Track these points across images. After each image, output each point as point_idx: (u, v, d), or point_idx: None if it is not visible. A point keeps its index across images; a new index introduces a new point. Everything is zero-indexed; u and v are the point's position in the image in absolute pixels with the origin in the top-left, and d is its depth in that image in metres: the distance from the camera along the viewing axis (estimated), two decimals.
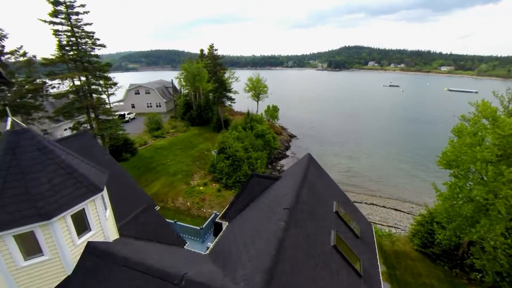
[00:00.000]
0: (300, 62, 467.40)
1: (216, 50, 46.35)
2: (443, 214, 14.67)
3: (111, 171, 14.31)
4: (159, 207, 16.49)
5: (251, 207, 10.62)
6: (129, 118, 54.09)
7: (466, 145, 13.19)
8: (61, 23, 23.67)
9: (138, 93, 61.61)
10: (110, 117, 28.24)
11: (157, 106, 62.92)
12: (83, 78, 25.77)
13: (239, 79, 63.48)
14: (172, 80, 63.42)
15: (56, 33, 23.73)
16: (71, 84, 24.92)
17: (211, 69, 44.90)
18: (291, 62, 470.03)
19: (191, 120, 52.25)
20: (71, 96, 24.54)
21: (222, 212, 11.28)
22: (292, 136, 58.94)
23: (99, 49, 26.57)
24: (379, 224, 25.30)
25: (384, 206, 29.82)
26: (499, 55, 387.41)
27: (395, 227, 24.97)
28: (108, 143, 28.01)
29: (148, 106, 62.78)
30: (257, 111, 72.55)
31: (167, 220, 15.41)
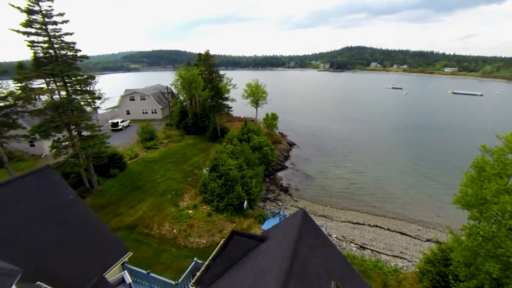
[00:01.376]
0: (302, 62, 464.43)
1: (211, 57, 44.32)
2: (461, 267, 12.56)
3: (74, 219, 12.42)
4: (128, 256, 14.45)
5: (231, 275, 8.66)
6: (123, 126, 52.08)
7: (492, 191, 11.08)
8: (37, 34, 21.74)
9: (133, 99, 59.64)
10: (95, 133, 26.28)
11: (152, 112, 60.96)
12: (63, 93, 23.86)
13: (236, 86, 61.50)
14: (167, 86, 61.43)
15: (31, 44, 21.79)
16: (49, 99, 23.01)
17: (207, 77, 42.94)
18: (293, 63, 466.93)
19: (186, 129, 50.24)
20: (49, 112, 22.61)
21: (197, 277, 9.30)
22: (292, 145, 56.78)
23: (81, 61, 24.64)
24: (383, 253, 23.16)
25: (388, 229, 27.67)
26: (503, 56, 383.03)
27: (401, 257, 22.82)
28: (91, 161, 26.03)
29: (143, 113, 60.79)
30: (256, 117, 70.82)
31: (140, 270, 13.40)
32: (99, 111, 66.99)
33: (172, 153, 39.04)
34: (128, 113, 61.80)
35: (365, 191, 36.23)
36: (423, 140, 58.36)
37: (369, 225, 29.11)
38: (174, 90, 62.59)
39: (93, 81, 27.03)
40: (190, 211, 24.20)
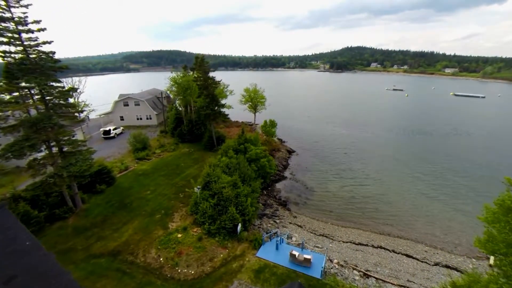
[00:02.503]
0: (302, 63, 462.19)
1: (207, 62, 42.34)
2: None
3: (30, 270, 10.19)
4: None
5: None
6: (115, 133, 50.11)
7: None
8: (9, 43, 19.85)
9: (127, 105, 57.69)
10: (78, 149, 24.27)
11: (147, 118, 59.00)
12: (40, 107, 21.93)
13: (233, 92, 59.52)
14: (161, 92, 59.47)
15: (3, 55, 19.89)
16: (25, 115, 21.09)
17: (202, 84, 41.01)
18: (293, 63, 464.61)
19: (181, 136, 48.26)
20: (24, 130, 20.68)
21: None
22: (291, 152, 54.77)
23: (61, 71, 22.72)
24: (389, 282, 21.21)
25: (393, 251, 25.71)
26: (504, 56, 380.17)
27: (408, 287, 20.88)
28: (73, 181, 24.07)
29: (138, 119, 58.83)
30: (254, 121, 68.81)
31: None
32: (92, 117, 65.10)
33: (165, 165, 37.05)
34: (122, 119, 59.84)
35: (369, 206, 34.23)
36: (429, 148, 56.30)
37: (372, 246, 27.13)
38: (170, 95, 60.66)
39: (76, 92, 25.11)
40: (179, 235, 22.27)
